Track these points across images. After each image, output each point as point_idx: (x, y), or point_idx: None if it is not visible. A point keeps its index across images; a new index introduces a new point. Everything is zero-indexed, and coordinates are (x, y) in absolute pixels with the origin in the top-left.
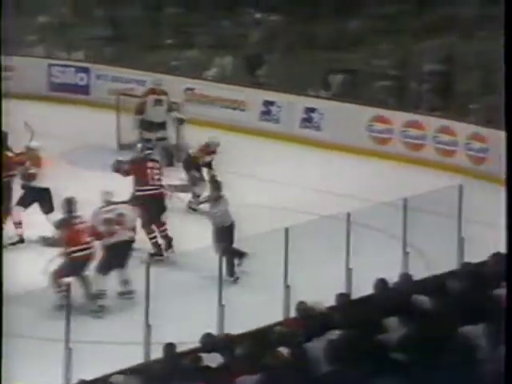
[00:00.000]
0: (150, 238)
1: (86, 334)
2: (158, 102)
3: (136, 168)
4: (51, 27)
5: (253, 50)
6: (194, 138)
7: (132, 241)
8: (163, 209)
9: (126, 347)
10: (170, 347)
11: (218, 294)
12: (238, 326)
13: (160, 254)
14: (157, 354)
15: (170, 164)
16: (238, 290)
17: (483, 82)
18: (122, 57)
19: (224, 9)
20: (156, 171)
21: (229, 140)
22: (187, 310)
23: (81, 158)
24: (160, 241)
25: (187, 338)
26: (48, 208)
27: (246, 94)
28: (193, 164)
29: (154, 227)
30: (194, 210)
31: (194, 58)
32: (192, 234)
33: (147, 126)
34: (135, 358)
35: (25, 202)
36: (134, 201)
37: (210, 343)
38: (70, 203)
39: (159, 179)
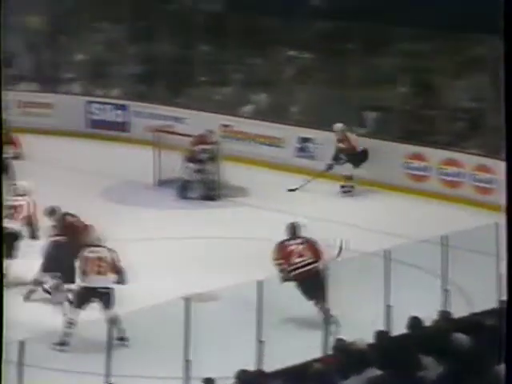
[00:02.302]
0: None
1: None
2: (205, 151)
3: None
4: (87, 65)
5: (286, 87)
6: (231, 174)
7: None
8: None
9: (165, 382)
10: (208, 382)
11: (256, 332)
12: (275, 362)
13: None
14: None
15: (209, 198)
16: (278, 327)
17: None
18: (156, 94)
19: (256, 47)
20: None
21: (265, 176)
22: (226, 345)
23: (118, 195)
24: None
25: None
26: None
27: (282, 131)
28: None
29: None
30: None
31: (228, 95)
32: None
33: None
34: None
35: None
36: None
37: (245, 379)
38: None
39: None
